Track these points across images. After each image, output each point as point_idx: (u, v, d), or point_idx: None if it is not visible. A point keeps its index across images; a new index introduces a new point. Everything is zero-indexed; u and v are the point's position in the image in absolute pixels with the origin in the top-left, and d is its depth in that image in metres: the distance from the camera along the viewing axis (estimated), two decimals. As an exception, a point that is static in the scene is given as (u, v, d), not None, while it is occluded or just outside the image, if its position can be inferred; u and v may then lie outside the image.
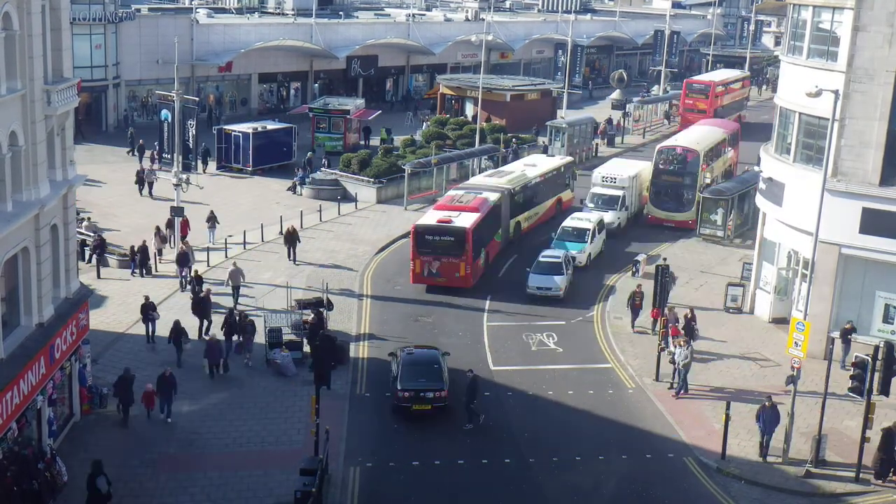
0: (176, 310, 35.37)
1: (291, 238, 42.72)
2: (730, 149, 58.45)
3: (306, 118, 66.92)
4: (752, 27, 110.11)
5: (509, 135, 64.88)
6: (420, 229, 39.66)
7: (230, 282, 37.47)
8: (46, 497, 23.69)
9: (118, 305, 36.77)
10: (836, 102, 27.38)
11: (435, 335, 35.75)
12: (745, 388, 31.82)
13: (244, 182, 55.87)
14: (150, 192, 51.72)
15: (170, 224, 43.22)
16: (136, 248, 40.14)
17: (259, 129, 58.81)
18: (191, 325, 33.64)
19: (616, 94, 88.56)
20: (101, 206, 48.95)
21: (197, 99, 49.44)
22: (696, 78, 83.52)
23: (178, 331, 32.19)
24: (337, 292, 38.39)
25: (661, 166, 51.00)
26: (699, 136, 55.10)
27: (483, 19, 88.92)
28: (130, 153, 59.68)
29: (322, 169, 56.10)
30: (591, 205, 49.06)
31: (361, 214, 50.93)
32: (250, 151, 57.19)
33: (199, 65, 71.67)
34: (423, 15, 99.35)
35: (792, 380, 27.74)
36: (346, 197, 52.90)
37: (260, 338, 33.23)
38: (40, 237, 24.98)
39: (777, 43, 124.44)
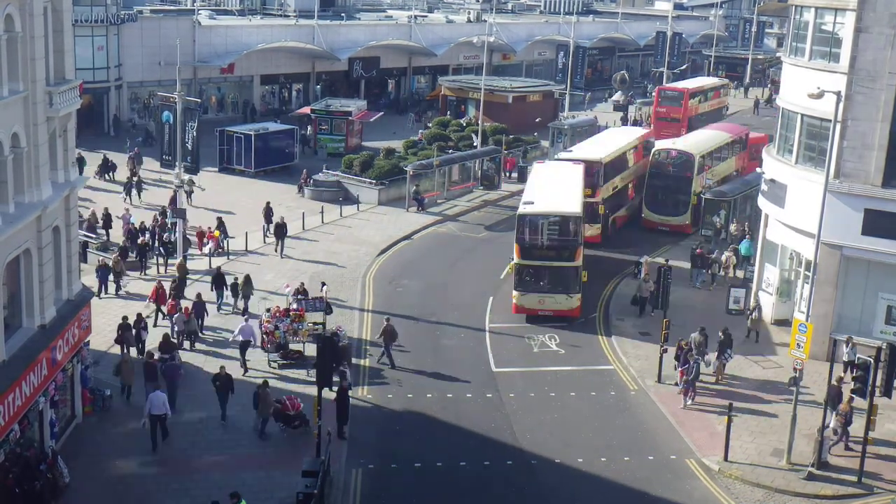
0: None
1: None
2: (734, 153, 56.88)
3: (308, 120, 66.95)
4: (754, 29, 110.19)
5: None
6: None
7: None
8: (48, 498, 23.68)
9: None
10: (839, 104, 27.35)
11: (437, 336, 35.75)
12: (746, 390, 31.79)
13: (247, 183, 55.83)
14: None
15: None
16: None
17: (261, 130, 58.81)
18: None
19: (618, 96, 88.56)
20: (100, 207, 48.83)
21: (199, 100, 49.39)
22: (669, 85, 79.78)
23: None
24: (335, 298, 38.37)
25: (654, 169, 50.50)
26: (699, 139, 54.38)
27: (485, 21, 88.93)
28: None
29: (324, 170, 56.10)
30: None
31: (363, 216, 50.89)
32: (252, 153, 57.21)
33: (201, 66, 71.75)
34: (425, 16, 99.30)
35: (794, 381, 27.71)
36: (348, 198, 52.94)
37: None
38: (42, 239, 24.97)
39: (779, 44, 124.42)
